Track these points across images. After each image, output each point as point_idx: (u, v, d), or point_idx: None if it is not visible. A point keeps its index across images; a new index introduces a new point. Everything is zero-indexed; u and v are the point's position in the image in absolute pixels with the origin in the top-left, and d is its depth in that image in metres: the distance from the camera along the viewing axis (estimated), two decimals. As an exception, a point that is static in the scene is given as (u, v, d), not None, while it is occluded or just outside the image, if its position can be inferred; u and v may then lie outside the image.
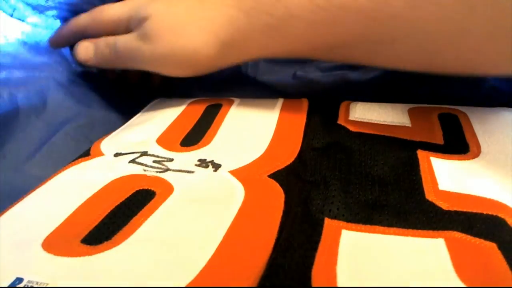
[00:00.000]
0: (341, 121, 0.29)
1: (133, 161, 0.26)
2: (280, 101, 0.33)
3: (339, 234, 0.18)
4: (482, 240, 0.17)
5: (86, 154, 0.27)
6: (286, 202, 0.20)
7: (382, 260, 0.16)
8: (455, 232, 0.18)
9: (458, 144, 0.25)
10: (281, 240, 0.18)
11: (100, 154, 0.27)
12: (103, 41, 0.33)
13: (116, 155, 0.27)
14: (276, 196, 0.21)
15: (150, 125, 0.31)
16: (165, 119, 0.32)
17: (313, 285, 0.15)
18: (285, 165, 0.24)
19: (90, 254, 0.17)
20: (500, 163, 0.22)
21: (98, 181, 0.23)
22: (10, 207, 0.22)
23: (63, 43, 0.37)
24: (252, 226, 0.19)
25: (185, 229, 0.19)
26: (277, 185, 0.22)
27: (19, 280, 0.16)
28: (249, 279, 0.16)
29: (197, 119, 0.32)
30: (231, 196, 0.21)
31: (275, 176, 0.23)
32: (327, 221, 0.19)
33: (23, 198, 0.23)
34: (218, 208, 0.20)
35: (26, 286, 0.16)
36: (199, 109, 0.33)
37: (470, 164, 0.23)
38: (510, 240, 0.17)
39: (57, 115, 0.32)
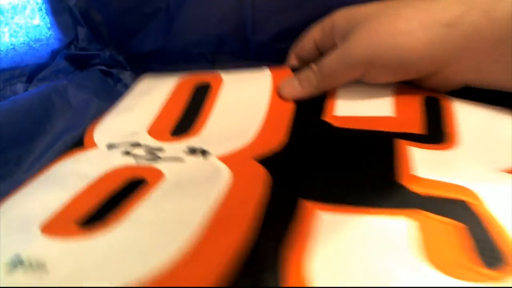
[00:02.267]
0: (325, 117, 0.28)
1: (125, 152, 0.26)
2: (268, 77, 0.33)
3: (314, 214, 0.19)
4: (451, 220, 0.18)
5: (79, 143, 0.28)
6: (269, 184, 0.21)
7: (354, 237, 0.17)
8: (425, 212, 0.18)
9: (437, 133, 0.25)
10: (260, 219, 0.18)
11: (93, 145, 0.28)
12: (304, 72, 0.31)
13: (109, 147, 0.27)
14: (260, 178, 0.22)
15: (140, 111, 0.31)
16: (154, 103, 0.32)
17: (286, 262, 0.16)
18: (272, 151, 0.25)
19: (84, 234, 0.18)
20: (474, 154, 0.23)
21: (92, 172, 0.24)
22: (10, 196, 0.22)
23: None
24: (235, 205, 0.20)
25: (173, 210, 0.20)
26: (263, 168, 0.23)
27: (18, 257, 0.16)
28: (228, 254, 0.16)
29: (186, 102, 0.32)
30: (216, 178, 0.22)
31: (261, 161, 0.24)
32: (303, 202, 0.19)
33: (21, 187, 0.23)
34: (204, 189, 0.21)
35: (26, 265, 0.16)
36: (187, 89, 0.33)
37: (445, 153, 0.23)
38: (475, 223, 0.18)
39: (58, 124, 0.32)
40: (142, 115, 0.31)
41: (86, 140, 0.28)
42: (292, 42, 0.35)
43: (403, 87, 0.30)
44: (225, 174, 0.22)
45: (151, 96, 0.33)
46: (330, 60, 0.29)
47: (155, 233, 0.18)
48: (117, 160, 0.25)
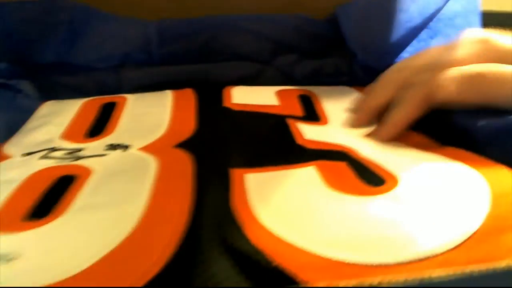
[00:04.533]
0: (226, 104, 0.35)
1: (44, 156, 0.28)
2: (169, 92, 0.38)
3: (243, 177, 0.23)
4: (337, 161, 0.25)
5: None
6: (194, 162, 0.25)
7: (278, 186, 0.22)
8: (319, 161, 0.25)
9: (313, 115, 0.34)
10: (198, 189, 0.22)
11: (7, 157, 0.28)
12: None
13: (24, 155, 0.28)
14: (185, 159, 0.26)
15: (50, 126, 0.33)
16: (62, 120, 0.34)
17: (236, 215, 0.20)
18: (186, 137, 0.29)
19: (39, 226, 0.20)
20: (341, 125, 0.31)
21: (15, 178, 0.25)
22: None
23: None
24: (171, 184, 0.23)
25: (115, 194, 0.23)
26: (183, 151, 0.27)
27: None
28: (178, 223, 0.20)
29: (95, 115, 0.34)
30: (145, 165, 0.25)
31: (179, 146, 0.28)
32: (231, 170, 0.24)
33: None
34: (137, 175, 0.24)
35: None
36: (94, 106, 0.36)
37: (322, 127, 0.31)
38: (351, 162, 0.25)
39: None
40: (53, 129, 0.32)
41: None
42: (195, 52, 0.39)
43: (281, 88, 0.38)
44: (150, 160, 0.26)
45: (57, 115, 0.35)
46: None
47: (106, 213, 0.21)
48: (38, 163, 0.27)
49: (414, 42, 0.40)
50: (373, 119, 0.30)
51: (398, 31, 0.38)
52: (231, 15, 0.39)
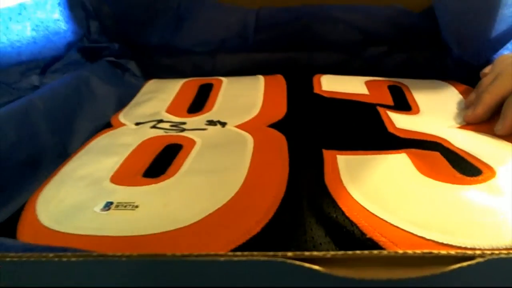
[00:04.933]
0: (317, 91, 0.36)
1: (153, 127, 0.31)
2: (261, 77, 0.40)
3: (336, 158, 0.25)
4: (429, 151, 0.25)
5: (108, 126, 0.32)
6: (288, 141, 0.27)
7: (368, 170, 0.23)
8: (411, 149, 0.25)
9: (404, 105, 0.33)
10: (294, 164, 0.24)
11: (122, 125, 0.32)
12: None
13: (137, 124, 0.32)
14: (279, 137, 0.28)
15: (155, 101, 0.37)
16: (166, 97, 0.37)
17: (329, 190, 0.22)
18: (279, 119, 0.31)
19: (155, 183, 0.23)
20: (433, 116, 0.31)
21: (131, 141, 0.29)
22: (63, 165, 0.27)
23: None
24: (269, 158, 0.25)
25: (218, 162, 0.25)
26: (276, 131, 0.29)
27: (109, 203, 0.21)
28: (278, 191, 0.22)
29: (195, 93, 0.38)
30: (243, 140, 0.28)
31: (272, 126, 0.30)
32: (324, 151, 0.26)
33: (69, 159, 0.27)
34: (237, 148, 0.27)
35: (117, 205, 0.21)
36: (193, 87, 0.39)
37: (414, 117, 0.31)
38: (445, 152, 0.25)
39: (88, 111, 0.34)
40: (158, 104, 0.36)
41: (113, 122, 0.33)
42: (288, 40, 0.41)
43: (370, 78, 0.38)
44: (247, 136, 0.28)
45: (162, 92, 0.38)
46: None
47: (212, 177, 0.23)
48: (149, 132, 0.30)
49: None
50: (490, 115, 0.29)
51: (500, 26, 0.36)
52: (327, 4, 0.40)
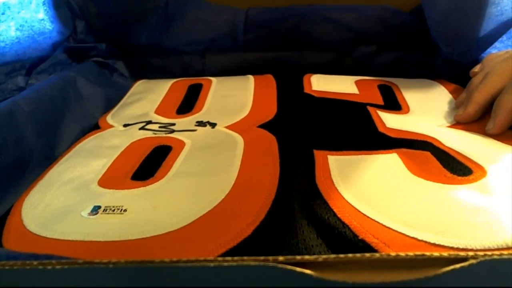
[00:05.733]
0: (307, 91, 0.36)
1: (142, 128, 0.31)
2: (251, 77, 0.40)
3: (327, 158, 0.25)
4: (420, 151, 0.25)
5: (96, 127, 0.32)
6: (278, 142, 0.27)
7: (360, 170, 0.23)
8: (402, 149, 0.25)
9: (394, 104, 0.33)
10: (285, 165, 0.24)
11: (110, 126, 0.32)
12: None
13: (125, 125, 0.31)
14: (269, 138, 0.28)
15: (144, 102, 0.36)
16: (155, 97, 0.37)
17: (321, 191, 0.21)
18: (269, 119, 0.31)
19: (144, 186, 0.23)
20: (423, 115, 0.31)
21: (119, 143, 0.28)
22: (50, 168, 0.26)
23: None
24: (260, 159, 0.25)
25: (208, 164, 0.25)
26: (265, 131, 0.29)
27: (97, 207, 0.21)
28: (268, 193, 0.22)
29: (184, 94, 0.37)
30: (233, 141, 0.27)
31: (262, 126, 0.30)
32: (315, 151, 0.25)
33: (56, 162, 0.27)
34: (227, 149, 0.26)
35: (105, 209, 0.20)
36: (183, 88, 0.39)
37: (404, 116, 0.31)
38: (436, 151, 0.25)
39: (74, 113, 0.34)
40: (147, 104, 0.36)
41: (101, 124, 0.32)
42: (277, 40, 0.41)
43: (360, 78, 0.38)
44: (237, 136, 0.28)
45: (150, 93, 0.38)
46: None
47: (202, 179, 0.23)
48: (137, 134, 0.30)
49: (503, 38, 0.38)
50: (481, 114, 0.29)
51: (488, 25, 0.36)
52: (316, 4, 0.40)
